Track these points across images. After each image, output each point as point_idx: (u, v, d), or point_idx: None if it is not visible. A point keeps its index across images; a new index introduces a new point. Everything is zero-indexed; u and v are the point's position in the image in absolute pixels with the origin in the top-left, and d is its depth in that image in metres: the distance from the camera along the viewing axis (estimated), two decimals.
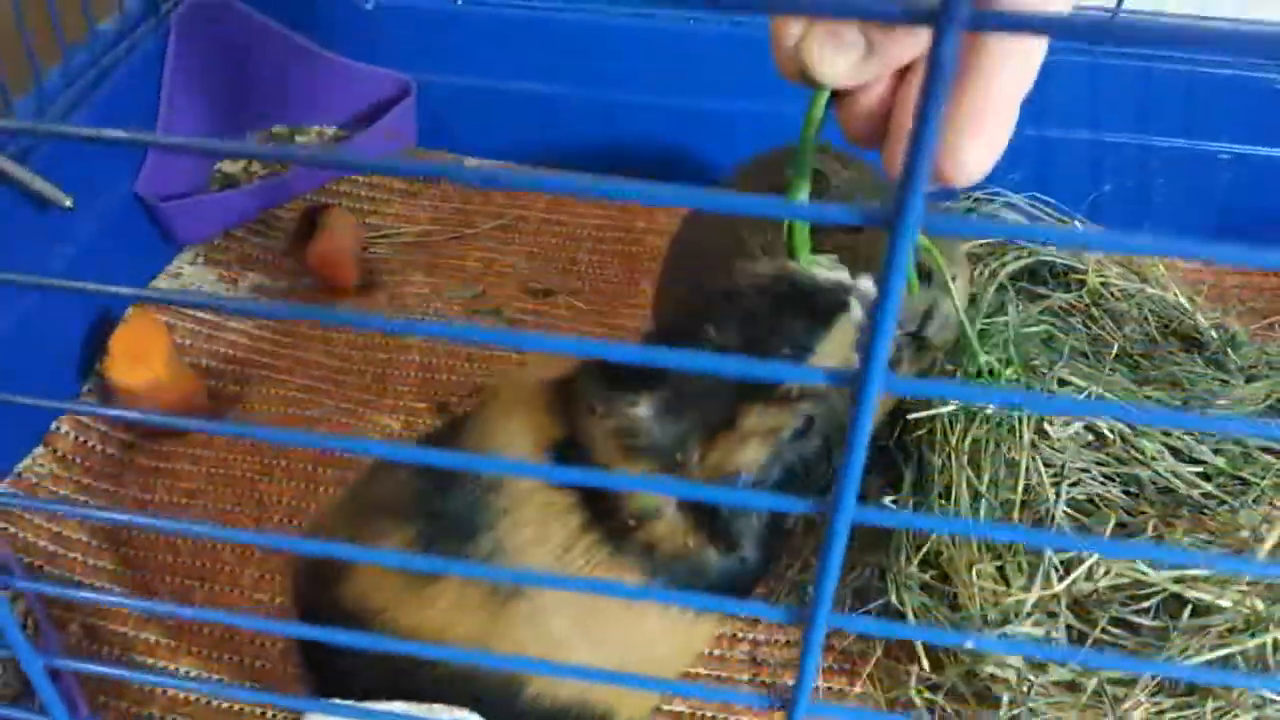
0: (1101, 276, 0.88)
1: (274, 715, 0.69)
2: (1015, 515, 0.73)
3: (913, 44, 0.32)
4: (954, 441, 0.74)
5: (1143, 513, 0.75)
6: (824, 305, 0.48)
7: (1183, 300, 0.88)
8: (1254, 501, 0.73)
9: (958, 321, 0.69)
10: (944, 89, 0.20)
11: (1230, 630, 0.64)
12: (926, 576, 0.71)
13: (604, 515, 0.49)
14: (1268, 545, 0.69)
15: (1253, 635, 0.62)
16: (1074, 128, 1.04)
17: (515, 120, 1.13)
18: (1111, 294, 0.87)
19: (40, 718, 0.41)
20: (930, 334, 0.67)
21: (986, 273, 0.87)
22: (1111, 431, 0.78)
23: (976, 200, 0.93)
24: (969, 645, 0.26)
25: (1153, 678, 0.64)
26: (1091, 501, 0.75)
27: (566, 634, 0.50)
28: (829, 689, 0.73)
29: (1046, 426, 0.77)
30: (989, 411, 0.77)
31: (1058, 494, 0.74)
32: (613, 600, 0.50)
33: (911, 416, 0.74)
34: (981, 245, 0.92)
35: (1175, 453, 0.77)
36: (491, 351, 0.96)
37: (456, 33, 1.09)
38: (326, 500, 0.82)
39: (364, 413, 0.90)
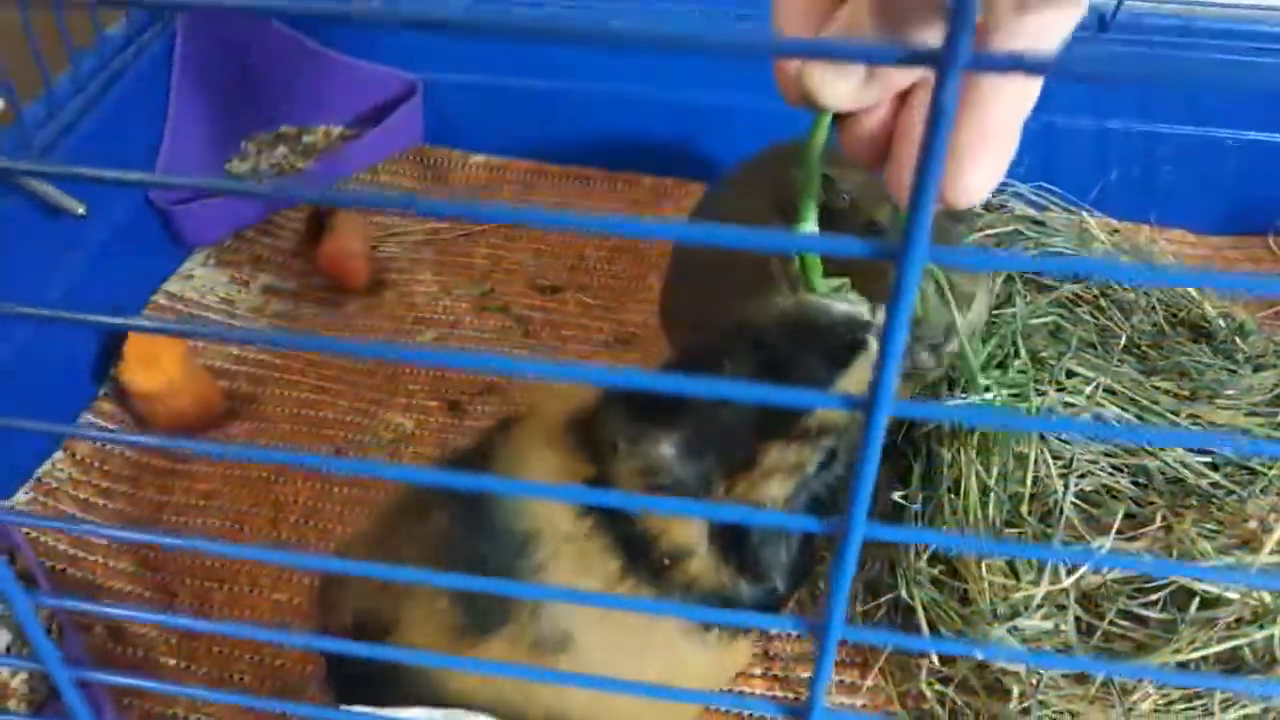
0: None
1: (296, 716, 0.70)
2: (1024, 508, 0.73)
3: (911, 70, 0.33)
4: (962, 435, 0.75)
5: (1151, 503, 0.75)
6: (841, 344, 0.48)
7: (1191, 290, 0.88)
8: (1262, 491, 0.73)
9: (979, 333, 0.70)
10: (947, 129, 0.20)
11: (1238, 621, 0.64)
12: (936, 571, 0.71)
13: (639, 557, 0.50)
14: (1276, 535, 0.69)
15: (1260, 627, 0.63)
16: (1080, 116, 1.03)
17: (520, 117, 1.13)
18: (1119, 284, 0.87)
19: None
20: (954, 348, 0.68)
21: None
22: (1119, 422, 0.79)
23: None
24: (978, 656, 0.27)
25: (1161, 668, 0.64)
26: (1100, 492, 0.76)
27: (609, 673, 0.51)
28: (840, 682, 0.73)
29: (1055, 419, 0.78)
30: (997, 404, 0.78)
31: (1066, 486, 0.74)
32: (655, 644, 0.50)
33: None
34: (988, 235, 0.92)
35: None
36: (503, 350, 0.96)
37: (461, 31, 1.10)
38: (352, 528, 0.83)
39: (376, 411, 0.91)
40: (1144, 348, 0.84)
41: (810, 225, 0.42)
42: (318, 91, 1.12)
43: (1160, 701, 0.64)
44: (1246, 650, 0.63)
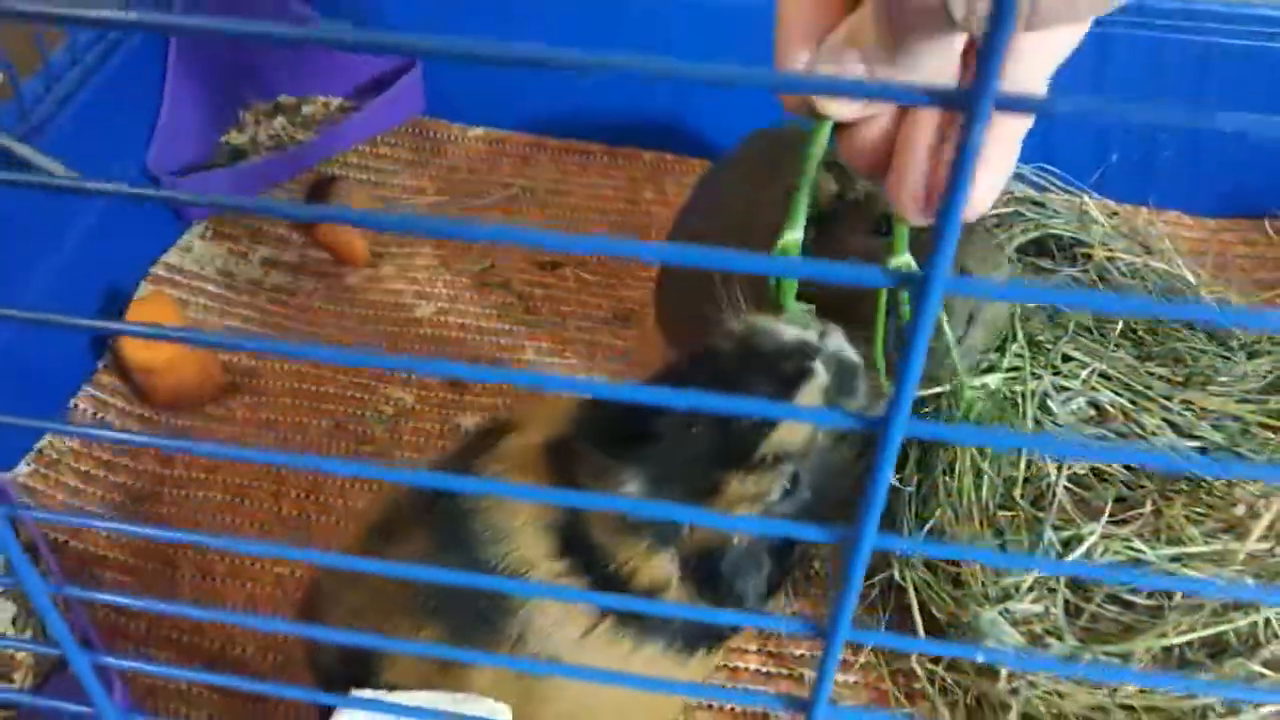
0: (1108, 250, 0.89)
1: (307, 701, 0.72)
2: (1017, 491, 0.75)
3: (914, 80, 0.33)
4: (957, 418, 0.76)
5: (1142, 486, 0.77)
6: (787, 371, 0.49)
7: (1187, 274, 0.89)
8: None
9: (1002, 322, 0.71)
10: (972, 167, 0.21)
11: (1224, 607, 0.66)
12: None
13: (617, 593, 0.51)
14: (1264, 521, 0.71)
15: (1245, 613, 0.65)
16: (1081, 97, 1.03)
17: (519, 90, 1.12)
18: (1117, 269, 0.88)
19: (84, 707, 0.42)
20: (975, 341, 0.69)
21: (994, 246, 0.88)
22: (1113, 407, 0.80)
23: None
24: (979, 659, 0.27)
25: (1147, 651, 0.66)
26: (1091, 476, 0.77)
27: (592, 700, 0.54)
28: None
29: (1049, 403, 0.79)
30: (992, 388, 0.79)
31: (1059, 469, 0.76)
32: (636, 666, 0.52)
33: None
34: (990, 217, 0.93)
35: (1175, 428, 0.79)
36: (503, 325, 0.97)
37: (461, 2, 1.08)
38: (352, 503, 0.84)
39: (377, 386, 0.92)
40: (1140, 333, 0.85)
41: (796, 233, 0.42)
42: (317, 62, 1.11)
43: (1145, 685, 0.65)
44: (1231, 635, 0.65)
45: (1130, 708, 0.64)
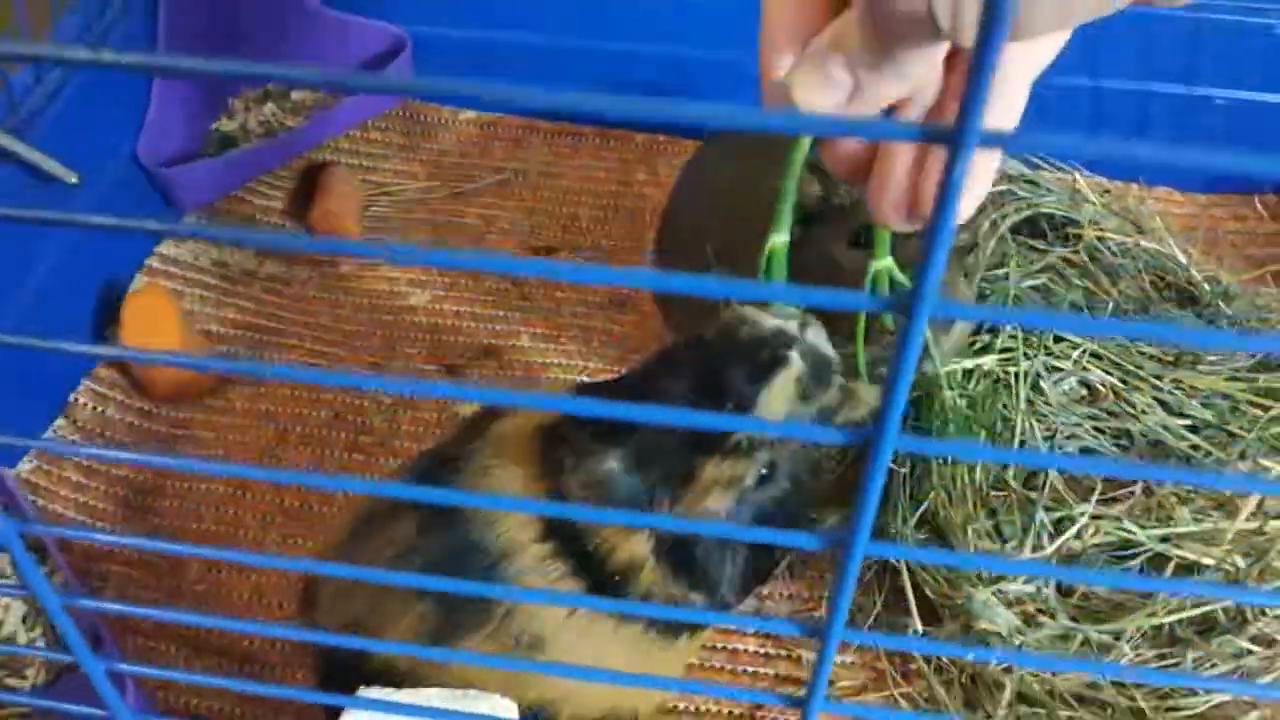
0: (1099, 229, 0.89)
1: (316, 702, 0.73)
2: (1009, 472, 0.76)
3: (898, 86, 0.33)
4: (950, 400, 0.77)
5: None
6: (764, 359, 0.50)
7: (1178, 253, 0.89)
8: (1240, 456, 0.76)
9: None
10: (957, 200, 0.21)
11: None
12: (923, 535, 0.74)
13: (597, 576, 0.53)
14: (1253, 500, 0.72)
15: None
16: (1073, 75, 1.03)
17: (511, 73, 1.12)
18: (1109, 250, 0.89)
19: (98, 710, 0.43)
20: (946, 349, 0.70)
21: (987, 224, 0.89)
22: (1104, 386, 0.80)
23: None
24: (970, 658, 0.28)
25: (1138, 629, 0.67)
26: (1083, 455, 0.78)
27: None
28: None
29: (1041, 383, 0.80)
30: (986, 369, 0.79)
31: (1051, 449, 0.77)
32: (617, 647, 0.54)
33: None
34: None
35: (1165, 406, 0.80)
36: (497, 312, 0.97)
37: None
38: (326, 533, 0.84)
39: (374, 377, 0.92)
40: (1131, 312, 0.86)
41: (782, 236, 0.43)
42: (306, 46, 1.10)
43: (1137, 661, 0.67)
44: (1220, 613, 0.66)
45: (1121, 684, 0.66)
